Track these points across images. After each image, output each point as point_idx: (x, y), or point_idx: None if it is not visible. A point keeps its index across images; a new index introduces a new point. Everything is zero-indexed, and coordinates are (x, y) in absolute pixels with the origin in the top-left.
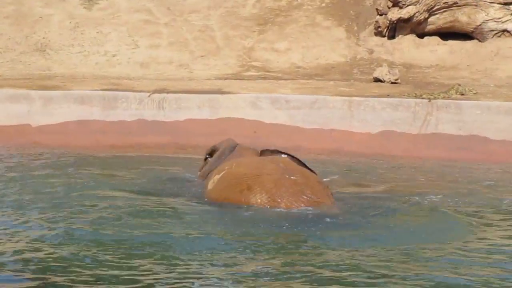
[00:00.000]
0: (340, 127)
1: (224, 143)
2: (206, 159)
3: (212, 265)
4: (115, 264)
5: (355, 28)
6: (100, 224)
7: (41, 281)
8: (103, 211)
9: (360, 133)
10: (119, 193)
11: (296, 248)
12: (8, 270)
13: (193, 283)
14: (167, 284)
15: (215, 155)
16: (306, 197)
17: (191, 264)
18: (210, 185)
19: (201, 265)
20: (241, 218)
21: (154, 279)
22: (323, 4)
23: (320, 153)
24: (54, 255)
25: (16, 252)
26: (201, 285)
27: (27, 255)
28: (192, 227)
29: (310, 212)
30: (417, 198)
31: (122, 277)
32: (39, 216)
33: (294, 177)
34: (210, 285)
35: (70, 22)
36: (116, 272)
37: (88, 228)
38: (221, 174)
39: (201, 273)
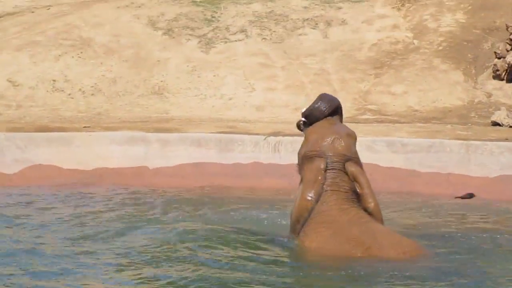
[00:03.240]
0: (457, 171)
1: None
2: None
3: None
4: None
5: (473, 71)
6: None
7: None
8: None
9: (478, 178)
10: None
11: None
12: None
13: None
14: None
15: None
16: None
17: None
18: None
19: None
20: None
21: None
22: (440, 47)
23: (437, 197)
24: None
25: None
26: None
27: None
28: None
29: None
30: None
31: None
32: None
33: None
34: None
35: (187, 66)
36: None
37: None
38: None
39: None
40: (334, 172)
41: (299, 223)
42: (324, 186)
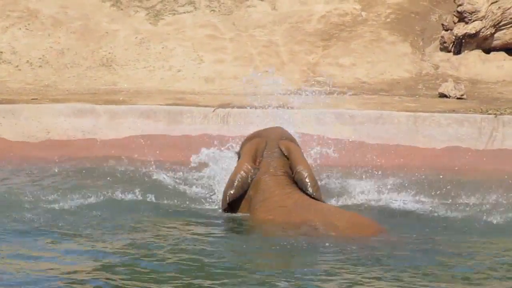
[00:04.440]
0: (405, 142)
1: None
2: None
3: None
4: None
5: (421, 43)
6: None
7: None
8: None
9: (425, 149)
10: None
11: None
12: None
13: None
14: None
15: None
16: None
17: None
18: None
19: None
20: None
21: None
22: (388, 20)
23: (385, 168)
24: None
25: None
26: None
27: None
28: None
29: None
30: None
31: None
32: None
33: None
34: None
35: (136, 37)
36: None
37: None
38: None
39: None
40: (270, 156)
41: (232, 186)
42: (261, 173)
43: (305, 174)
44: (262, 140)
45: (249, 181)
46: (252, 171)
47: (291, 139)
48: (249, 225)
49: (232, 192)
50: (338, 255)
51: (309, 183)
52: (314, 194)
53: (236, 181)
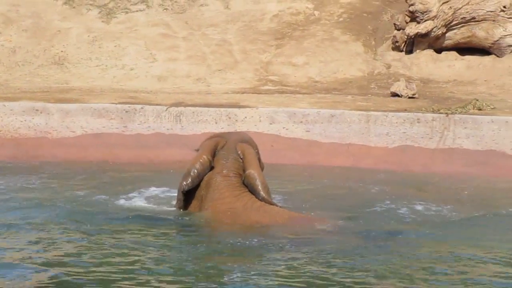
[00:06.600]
0: (357, 141)
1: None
2: None
3: None
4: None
5: (373, 42)
6: None
7: None
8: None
9: (377, 148)
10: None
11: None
12: None
13: None
14: None
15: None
16: None
17: None
18: None
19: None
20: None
21: None
22: (341, 19)
23: (337, 167)
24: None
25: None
26: None
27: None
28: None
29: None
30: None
31: None
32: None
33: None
34: None
35: (88, 36)
36: None
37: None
38: None
39: None
40: (226, 157)
41: (188, 176)
42: (214, 173)
43: (255, 178)
44: (222, 140)
45: (205, 173)
46: (209, 163)
47: (251, 144)
48: (197, 227)
49: (187, 182)
50: (286, 254)
51: (259, 186)
52: (264, 197)
53: (192, 172)
